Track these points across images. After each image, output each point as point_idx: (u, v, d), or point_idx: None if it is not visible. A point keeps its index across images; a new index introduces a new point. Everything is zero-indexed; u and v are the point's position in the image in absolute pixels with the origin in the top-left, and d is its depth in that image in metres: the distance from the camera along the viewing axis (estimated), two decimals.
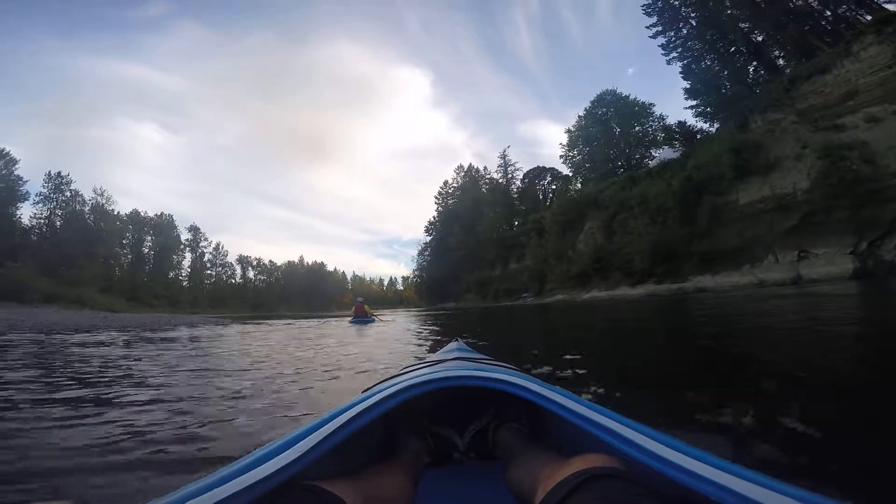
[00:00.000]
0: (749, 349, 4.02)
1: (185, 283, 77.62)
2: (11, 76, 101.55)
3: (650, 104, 51.10)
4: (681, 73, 40.21)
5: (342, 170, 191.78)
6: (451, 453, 1.24)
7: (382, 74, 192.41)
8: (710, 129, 37.79)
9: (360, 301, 14.45)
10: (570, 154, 53.41)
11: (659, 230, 25.39)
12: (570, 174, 54.28)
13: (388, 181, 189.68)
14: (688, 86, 39.87)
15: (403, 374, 1.08)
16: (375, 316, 14.85)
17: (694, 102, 39.75)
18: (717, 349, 4.06)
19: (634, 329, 7.21)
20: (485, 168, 72.13)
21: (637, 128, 50.07)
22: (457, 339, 2.32)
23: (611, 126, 51.15)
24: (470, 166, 74.06)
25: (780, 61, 33.89)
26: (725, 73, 36.80)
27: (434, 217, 74.76)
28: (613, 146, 49.91)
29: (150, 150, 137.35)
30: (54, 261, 48.14)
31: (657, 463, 0.62)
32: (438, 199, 75.05)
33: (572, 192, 45.16)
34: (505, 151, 67.36)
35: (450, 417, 1.28)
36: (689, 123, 41.05)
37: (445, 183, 75.31)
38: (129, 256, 68.99)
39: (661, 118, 48.72)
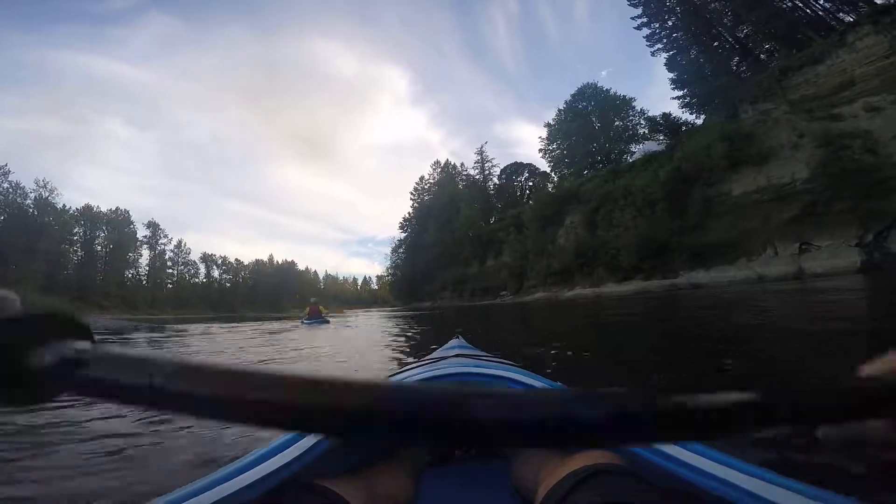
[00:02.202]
0: (755, 348, 3.68)
1: (143, 283, 72.44)
2: None
3: (631, 98, 50.17)
4: (665, 64, 39.63)
5: (316, 167, 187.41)
6: (453, 452, 1.23)
7: (360, 71, 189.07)
8: (697, 120, 37.14)
9: (314, 302, 14.75)
10: (550, 148, 51.78)
11: (646, 223, 23.63)
12: (549, 169, 52.66)
13: (364, 179, 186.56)
14: (673, 76, 39.32)
15: (404, 371, 1.06)
16: (330, 317, 14.99)
17: (680, 93, 39.08)
18: (717, 350, 3.68)
19: (625, 330, 6.46)
20: (461, 164, 70.17)
21: (618, 122, 49.22)
22: (457, 336, 2.38)
23: (591, 120, 50.05)
24: (447, 162, 71.80)
25: (765, 55, 33.81)
26: (710, 65, 36.27)
27: (409, 213, 72.18)
28: (594, 140, 48.74)
29: (112, 146, 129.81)
30: None
31: (659, 458, 0.62)
32: (414, 195, 72.52)
33: (552, 187, 43.37)
34: (482, 147, 65.32)
35: None
36: (673, 115, 40.23)
37: (421, 179, 72.89)
38: (80, 253, 63.63)
39: (643, 112, 47.90)
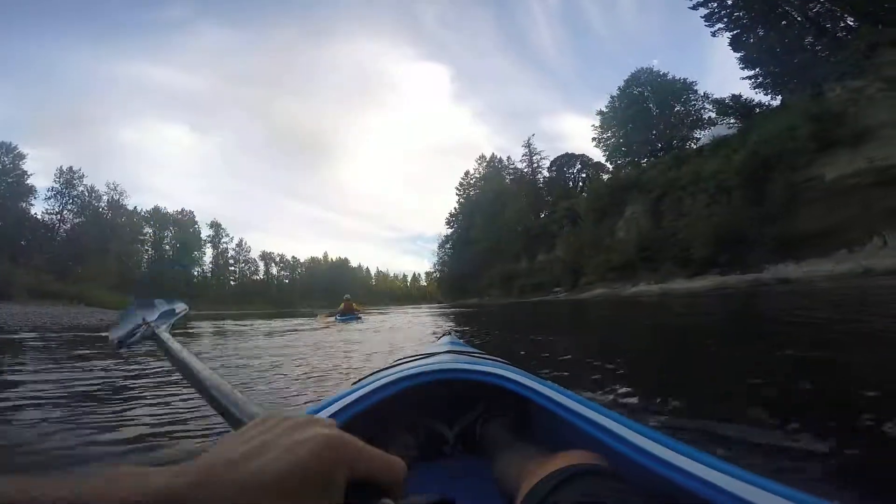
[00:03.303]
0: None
1: (208, 280, 76.81)
2: (46, 82, 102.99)
3: (692, 82, 46.94)
4: (730, 44, 36.48)
5: (366, 167, 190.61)
6: (441, 447, 1.21)
7: (402, 71, 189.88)
8: (773, 101, 34.11)
9: (347, 298, 14.90)
10: (604, 136, 49.36)
11: (722, 212, 21.51)
12: (604, 159, 50.21)
13: (411, 178, 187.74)
14: (740, 56, 36.25)
15: (394, 366, 1.05)
16: (360, 314, 15.18)
17: (751, 73, 36.04)
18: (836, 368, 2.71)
19: (717, 342, 5.08)
20: (508, 158, 68.04)
21: (678, 107, 46.27)
22: (449, 334, 2.64)
23: (648, 106, 47.33)
24: (493, 156, 70.09)
25: (842, 33, 30.44)
26: (782, 44, 33.11)
27: (455, 209, 71.42)
28: (652, 127, 46.00)
29: (176, 150, 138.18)
30: (65, 256, 47.27)
31: (644, 458, 0.62)
32: (459, 191, 71.55)
33: (607, 177, 41.24)
34: (530, 140, 63.02)
35: (440, 411, 1.25)
36: (744, 97, 37.07)
37: (467, 173, 71.71)
38: (150, 252, 68.30)
39: (707, 96, 44.62)
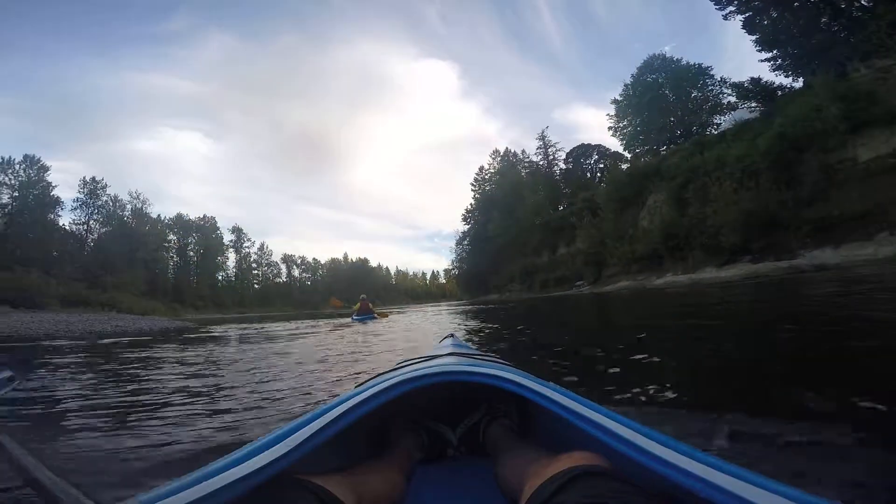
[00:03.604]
0: None
1: (233, 284, 78.26)
2: (61, 96, 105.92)
3: (707, 67, 46.04)
4: (743, 27, 35.69)
5: (380, 167, 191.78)
6: (444, 449, 1.22)
7: (409, 70, 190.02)
8: (794, 83, 33.25)
9: (364, 298, 15.13)
10: (620, 125, 48.64)
11: (751, 197, 20.94)
12: (621, 148, 49.44)
13: (425, 176, 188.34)
14: (755, 39, 35.43)
15: (398, 368, 1.06)
16: (376, 313, 15.32)
17: (768, 55, 35.12)
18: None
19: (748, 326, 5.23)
20: (523, 151, 67.43)
21: (695, 93, 45.45)
22: (452, 335, 2.43)
23: (664, 93, 46.54)
24: (507, 150, 69.56)
25: (858, 12, 29.35)
26: (798, 25, 32.13)
27: (471, 205, 71.18)
28: (669, 113, 45.24)
29: (194, 158, 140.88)
30: (95, 265, 48.68)
31: (646, 459, 0.62)
32: (475, 186, 71.31)
33: (626, 166, 40.60)
34: (544, 132, 62.30)
35: (443, 413, 1.26)
36: (764, 80, 36.11)
37: (481, 169, 71.48)
38: (175, 258, 69.90)
39: (724, 80, 43.69)
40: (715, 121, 43.07)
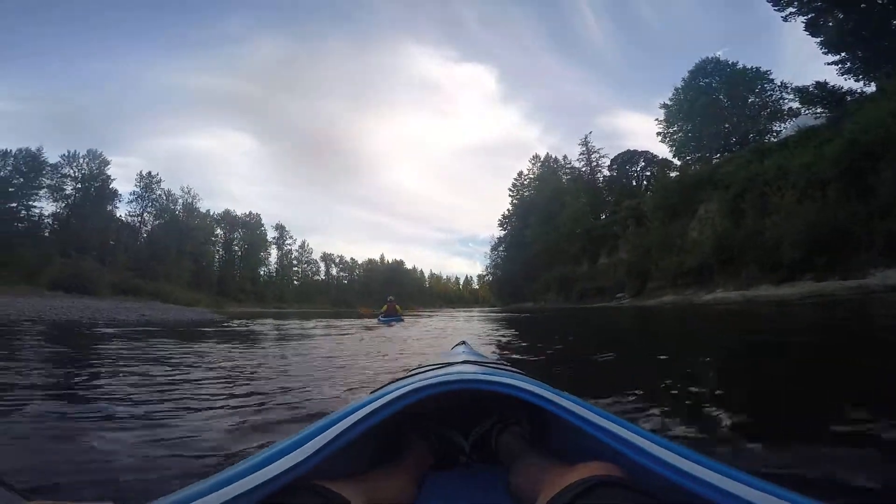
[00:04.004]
0: None
1: (273, 279, 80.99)
2: (124, 94, 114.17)
3: (766, 71, 43.48)
4: (806, 29, 33.42)
5: (418, 170, 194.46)
6: (456, 456, 1.22)
7: (448, 74, 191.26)
8: (866, 88, 30.76)
9: (391, 300, 15.23)
10: (670, 131, 46.69)
11: (816, 208, 19.28)
12: (672, 154, 47.37)
13: (462, 180, 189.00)
14: (820, 41, 33.07)
15: (412, 375, 1.07)
16: (403, 316, 15.46)
17: (835, 58, 32.68)
18: None
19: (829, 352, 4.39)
20: (564, 157, 66.02)
21: (752, 98, 43.02)
22: (463, 343, 2.46)
23: (717, 97, 44.41)
24: (547, 156, 68.36)
25: None
26: (867, 27, 29.71)
27: (508, 210, 70.47)
28: (723, 119, 43.03)
29: (241, 156, 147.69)
30: (147, 256, 51.55)
31: (662, 468, 0.62)
32: (513, 191, 70.54)
33: (675, 174, 38.81)
34: (587, 137, 60.65)
35: (454, 420, 1.27)
36: (831, 84, 33.60)
37: (520, 174, 70.56)
38: (221, 253, 73.00)
39: (785, 85, 41.10)
40: (774, 128, 40.72)
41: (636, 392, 2.62)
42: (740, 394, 2.90)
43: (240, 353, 5.86)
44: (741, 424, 2.05)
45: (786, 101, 40.38)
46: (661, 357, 4.70)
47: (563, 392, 0.87)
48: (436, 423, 1.24)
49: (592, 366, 4.39)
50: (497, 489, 1.00)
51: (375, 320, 14.69)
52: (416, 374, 1.09)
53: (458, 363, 1.28)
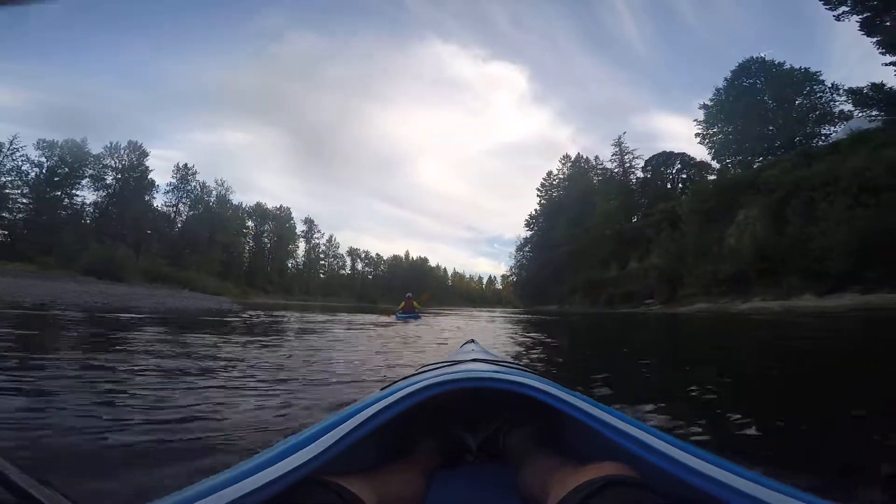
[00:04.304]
0: None
1: (301, 272, 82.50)
2: (172, 89, 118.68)
3: (816, 72, 41.09)
4: (861, 28, 31.40)
5: (447, 168, 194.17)
6: (463, 454, 1.23)
7: (478, 74, 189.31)
8: None
9: (409, 297, 15.17)
10: (710, 132, 44.87)
11: (870, 215, 17.97)
12: (711, 157, 45.48)
13: (490, 179, 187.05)
14: (876, 40, 31.00)
15: (421, 373, 1.07)
16: (420, 313, 15.46)
17: (893, 59, 30.58)
18: None
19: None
20: (596, 158, 64.17)
21: (800, 100, 40.72)
22: (472, 341, 2.46)
23: (762, 99, 42.34)
24: (578, 156, 66.68)
25: None
26: None
27: (536, 210, 69.12)
28: (768, 122, 40.96)
29: (277, 152, 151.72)
30: (181, 245, 53.27)
31: (673, 468, 0.62)
32: (541, 191, 69.13)
33: (713, 177, 37.24)
34: (620, 138, 58.67)
35: (462, 418, 1.27)
36: (888, 85, 31.46)
37: (549, 174, 69.01)
38: (251, 244, 74.84)
39: (836, 87, 38.77)
40: (823, 131, 38.52)
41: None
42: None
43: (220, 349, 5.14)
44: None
45: (837, 103, 38.17)
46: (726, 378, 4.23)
47: (573, 391, 0.86)
48: (444, 421, 1.23)
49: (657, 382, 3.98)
50: (505, 488, 1.00)
51: (393, 317, 14.70)
52: (426, 371, 1.09)
53: (467, 361, 1.27)
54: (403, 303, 15.13)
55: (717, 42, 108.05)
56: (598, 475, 0.61)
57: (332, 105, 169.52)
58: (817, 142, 36.18)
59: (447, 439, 1.22)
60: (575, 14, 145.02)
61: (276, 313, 16.24)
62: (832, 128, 37.71)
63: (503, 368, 1.07)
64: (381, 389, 0.94)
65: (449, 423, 1.25)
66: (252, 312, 16.06)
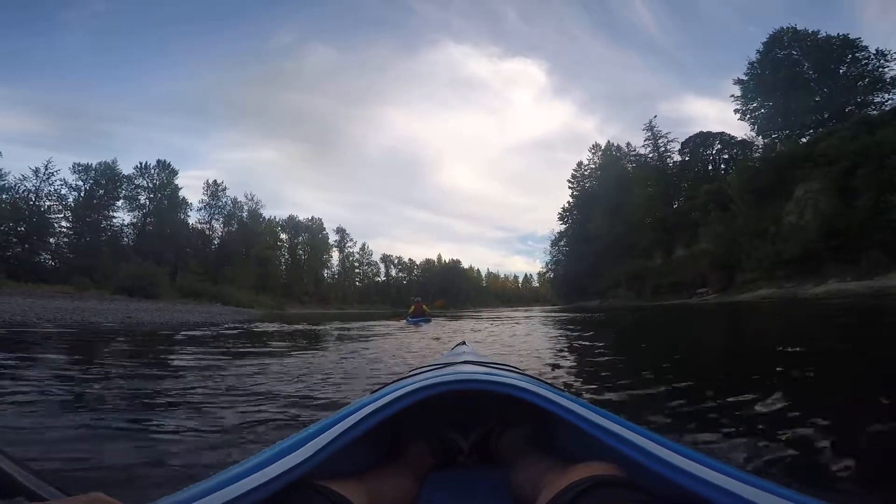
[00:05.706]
0: None
1: (335, 281, 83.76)
2: (202, 108, 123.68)
3: (856, 39, 39.25)
4: None
5: (474, 169, 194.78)
6: (455, 456, 1.23)
7: (494, 71, 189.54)
8: None
9: (418, 301, 15.36)
10: (750, 108, 43.17)
11: None
12: (753, 133, 43.67)
13: (517, 176, 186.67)
14: None
15: (412, 376, 1.08)
16: (431, 316, 15.52)
17: None
18: None
19: None
20: (627, 144, 62.34)
21: (842, 68, 38.68)
22: (463, 343, 2.47)
23: (801, 70, 40.50)
24: (609, 144, 64.70)
25: None
26: None
27: (568, 203, 67.73)
28: (813, 93, 39.12)
29: (306, 165, 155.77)
30: (218, 261, 54.67)
31: (663, 468, 0.62)
32: (572, 183, 67.76)
33: (758, 152, 35.65)
34: (652, 122, 56.32)
35: (455, 420, 1.28)
36: None
37: (580, 165, 67.46)
38: (286, 256, 76.35)
39: (883, 53, 36.86)
40: (875, 99, 36.48)
41: None
42: None
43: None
44: None
45: (888, 70, 36.18)
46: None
47: (563, 392, 0.87)
48: (436, 423, 1.23)
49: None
50: (497, 489, 0.99)
51: (404, 321, 14.62)
52: (417, 374, 1.09)
53: (458, 363, 1.28)
54: (413, 307, 15.30)
55: (732, 21, 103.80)
56: (587, 475, 0.62)
57: (355, 116, 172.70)
58: (872, 110, 34.31)
59: (439, 441, 1.22)
60: (584, 3, 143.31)
61: (295, 325, 14.90)
62: (887, 95, 35.83)
63: (494, 370, 1.07)
64: (373, 392, 0.95)
65: (441, 425, 1.24)
66: (264, 324, 14.90)
